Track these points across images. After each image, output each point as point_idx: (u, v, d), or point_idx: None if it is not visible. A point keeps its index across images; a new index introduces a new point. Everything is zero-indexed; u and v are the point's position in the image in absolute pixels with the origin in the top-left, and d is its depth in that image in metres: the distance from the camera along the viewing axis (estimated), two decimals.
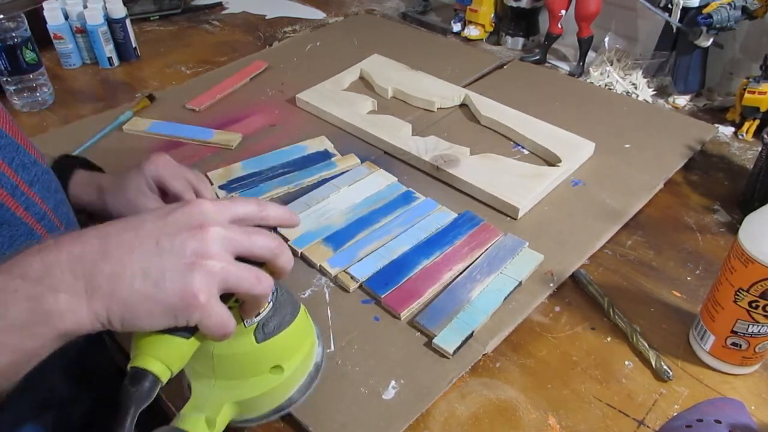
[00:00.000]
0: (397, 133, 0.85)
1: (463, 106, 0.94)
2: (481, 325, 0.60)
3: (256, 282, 0.38)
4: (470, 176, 0.77)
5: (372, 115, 0.91)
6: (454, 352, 0.57)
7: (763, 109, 0.85)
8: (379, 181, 0.78)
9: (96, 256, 0.35)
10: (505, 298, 0.62)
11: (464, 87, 0.97)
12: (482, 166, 0.79)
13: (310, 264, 0.68)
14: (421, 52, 1.09)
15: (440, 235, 0.70)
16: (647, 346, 0.57)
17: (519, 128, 0.85)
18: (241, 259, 0.38)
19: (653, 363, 0.56)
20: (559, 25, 1.03)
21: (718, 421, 0.43)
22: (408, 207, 0.74)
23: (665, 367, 0.55)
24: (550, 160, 0.81)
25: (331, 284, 0.65)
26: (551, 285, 0.65)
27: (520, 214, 0.73)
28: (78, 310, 0.35)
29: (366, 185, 0.77)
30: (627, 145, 0.85)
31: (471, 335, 0.58)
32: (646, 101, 0.96)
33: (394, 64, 1.02)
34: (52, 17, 1.05)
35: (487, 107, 0.90)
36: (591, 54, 1.04)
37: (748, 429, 0.42)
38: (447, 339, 0.58)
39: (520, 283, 0.64)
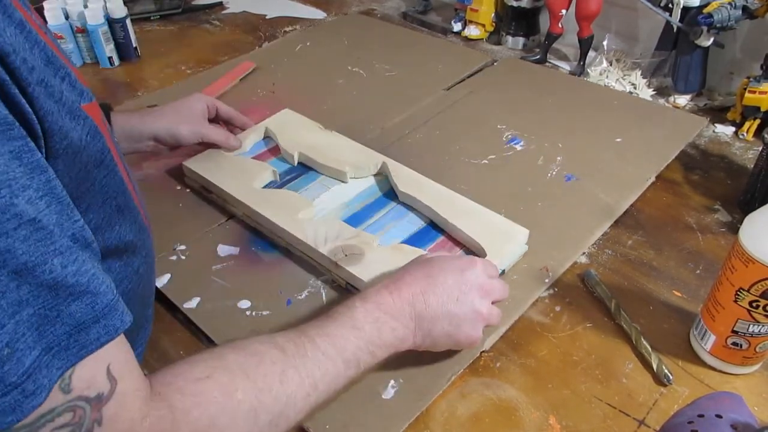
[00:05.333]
0: (294, 216, 0.69)
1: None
2: None
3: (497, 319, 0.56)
4: (371, 277, 0.61)
5: (269, 190, 0.75)
6: None
7: (763, 109, 0.85)
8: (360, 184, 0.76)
9: (422, 304, 0.51)
10: None
11: (451, 86, 0.97)
12: (390, 261, 0.62)
13: (307, 263, 0.67)
14: (412, 51, 1.10)
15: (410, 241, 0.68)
16: (650, 350, 0.57)
17: (440, 209, 0.69)
18: None
19: (655, 367, 0.56)
20: (560, 25, 1.03)
21: (719, 416, 0.43)
22: (389, 208, 0.73)
23: (666, 371, 0.55)
24: (474, 250, 0.67)
25: (327, 285, 0.65)
26: (546, 281, 0.65)
27: None
28: (411, 339, 0.52)
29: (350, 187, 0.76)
30: (618, 140, 0.85)
31: None
32: (643, 98, 0.96)
33: (306, 122, 0.85)
34: (53, 17, 1.05)
35: (406, 180, 0.73)
36: (591, 54, 1.04)
37: (749, 424, 0.42)
38: None
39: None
